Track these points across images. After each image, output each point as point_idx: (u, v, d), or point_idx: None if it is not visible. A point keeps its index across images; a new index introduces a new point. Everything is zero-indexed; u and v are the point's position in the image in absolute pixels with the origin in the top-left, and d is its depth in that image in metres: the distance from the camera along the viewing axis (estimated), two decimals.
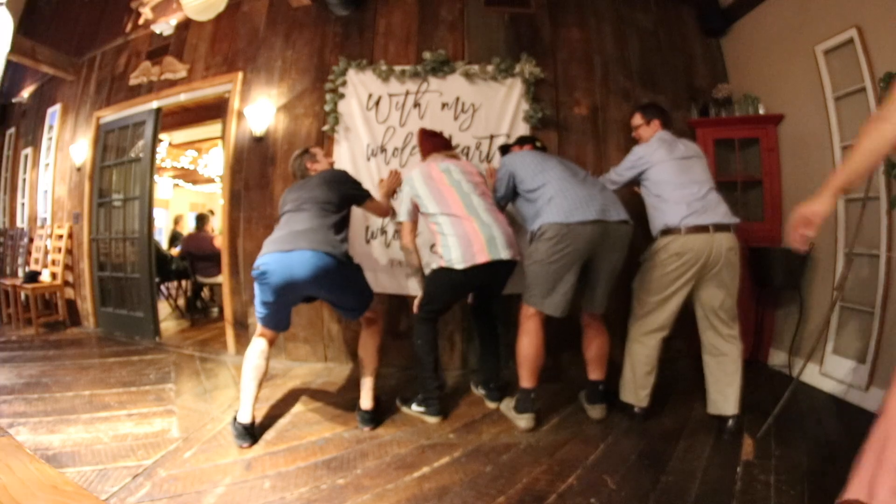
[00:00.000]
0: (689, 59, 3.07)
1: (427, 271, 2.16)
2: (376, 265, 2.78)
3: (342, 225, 1.95)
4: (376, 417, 1.98)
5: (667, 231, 1.89)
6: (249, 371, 1.87)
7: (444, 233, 2.00)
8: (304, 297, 1.94)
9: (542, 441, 1.83)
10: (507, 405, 2.08)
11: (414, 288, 2.73)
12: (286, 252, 1.73)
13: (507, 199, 2.17)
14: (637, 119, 2.21)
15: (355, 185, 2.10)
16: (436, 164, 2.15)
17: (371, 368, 2.03)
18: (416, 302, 2.12)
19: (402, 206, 2.17)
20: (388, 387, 2.42)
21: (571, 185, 1.92)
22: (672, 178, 1.93)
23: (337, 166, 2.52)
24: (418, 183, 2.10)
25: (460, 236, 1.94)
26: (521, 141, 2.35)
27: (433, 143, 2.29)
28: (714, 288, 1.87)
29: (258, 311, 1.90)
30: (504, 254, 1.93)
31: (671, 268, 1.86)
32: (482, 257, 1.90)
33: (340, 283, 1.86)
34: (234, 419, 1.83)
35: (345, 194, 2.02)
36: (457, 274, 1.94)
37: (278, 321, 1.93)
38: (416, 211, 2.14)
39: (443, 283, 2.03)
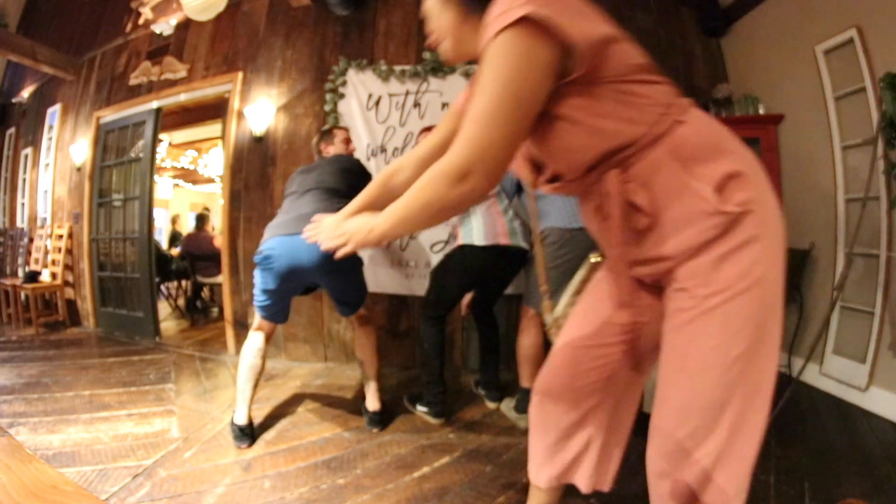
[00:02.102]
0: (688, 59, 3.06)
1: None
2: (376, 265, 2.78)
3: None
4: (384, 419, 1.96)
5: None
6: (245, 371, 1.82)
7: (467, 211, 2.01)
8: (307, 286, 1.90)
9: None
10: (507, 405, 2.08)
11: (417, 287, 2.74)
12: (291, 236, 1.65)
13: (511, 193, 2.17)
14: None
15: (367, 177, 2.06)
16: None
17: (373, 370, 2.01)
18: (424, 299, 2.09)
19: None
20: (389, 386, 2.42)
21: None
22: None
23: None
24: None
25: (485, 215, 1.98)
26: None
27: None
28: None
29: (258, 299, 1.84)
30: (523, 244, 1.98)
31: None
32: (504, 240, 1.94)
33: (345, 271, 1.81)
34: (232, 420, 1.83)
35: (354, 185, 1.95)
36: (474, 253, 1.95)
37: (277, 311, 1.87)
38: None
39: (455, 266, 2.01)
